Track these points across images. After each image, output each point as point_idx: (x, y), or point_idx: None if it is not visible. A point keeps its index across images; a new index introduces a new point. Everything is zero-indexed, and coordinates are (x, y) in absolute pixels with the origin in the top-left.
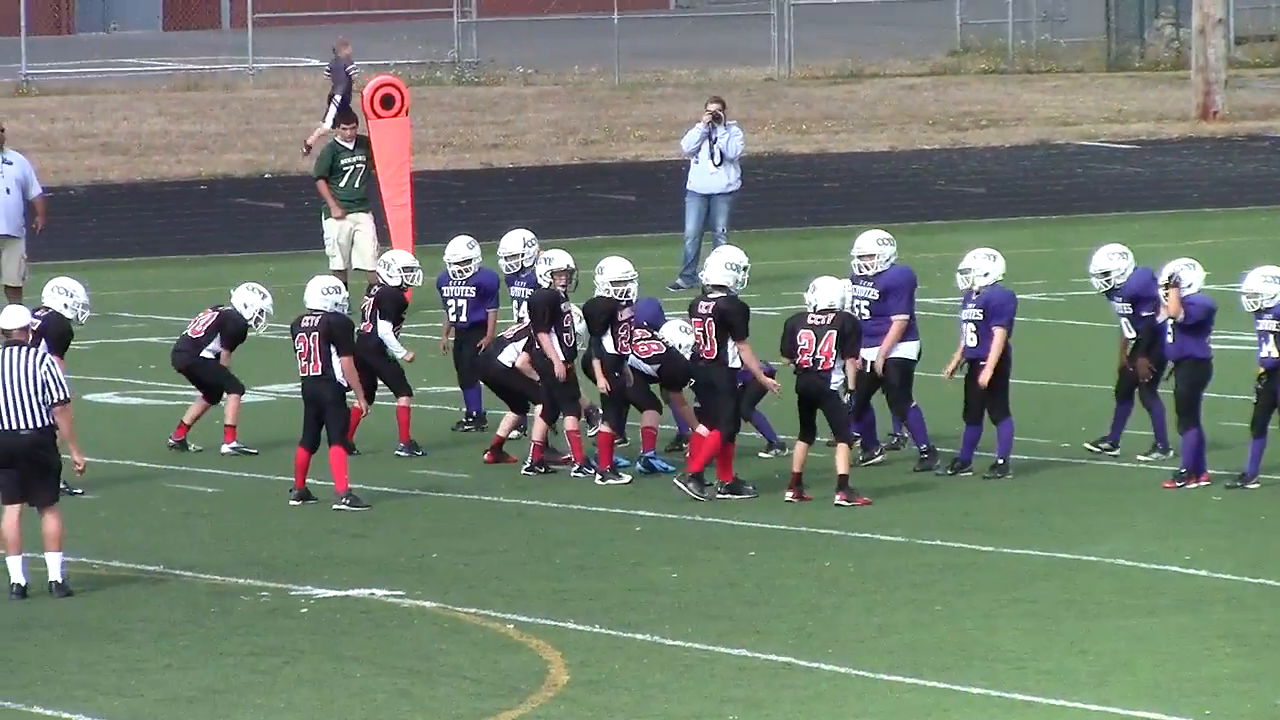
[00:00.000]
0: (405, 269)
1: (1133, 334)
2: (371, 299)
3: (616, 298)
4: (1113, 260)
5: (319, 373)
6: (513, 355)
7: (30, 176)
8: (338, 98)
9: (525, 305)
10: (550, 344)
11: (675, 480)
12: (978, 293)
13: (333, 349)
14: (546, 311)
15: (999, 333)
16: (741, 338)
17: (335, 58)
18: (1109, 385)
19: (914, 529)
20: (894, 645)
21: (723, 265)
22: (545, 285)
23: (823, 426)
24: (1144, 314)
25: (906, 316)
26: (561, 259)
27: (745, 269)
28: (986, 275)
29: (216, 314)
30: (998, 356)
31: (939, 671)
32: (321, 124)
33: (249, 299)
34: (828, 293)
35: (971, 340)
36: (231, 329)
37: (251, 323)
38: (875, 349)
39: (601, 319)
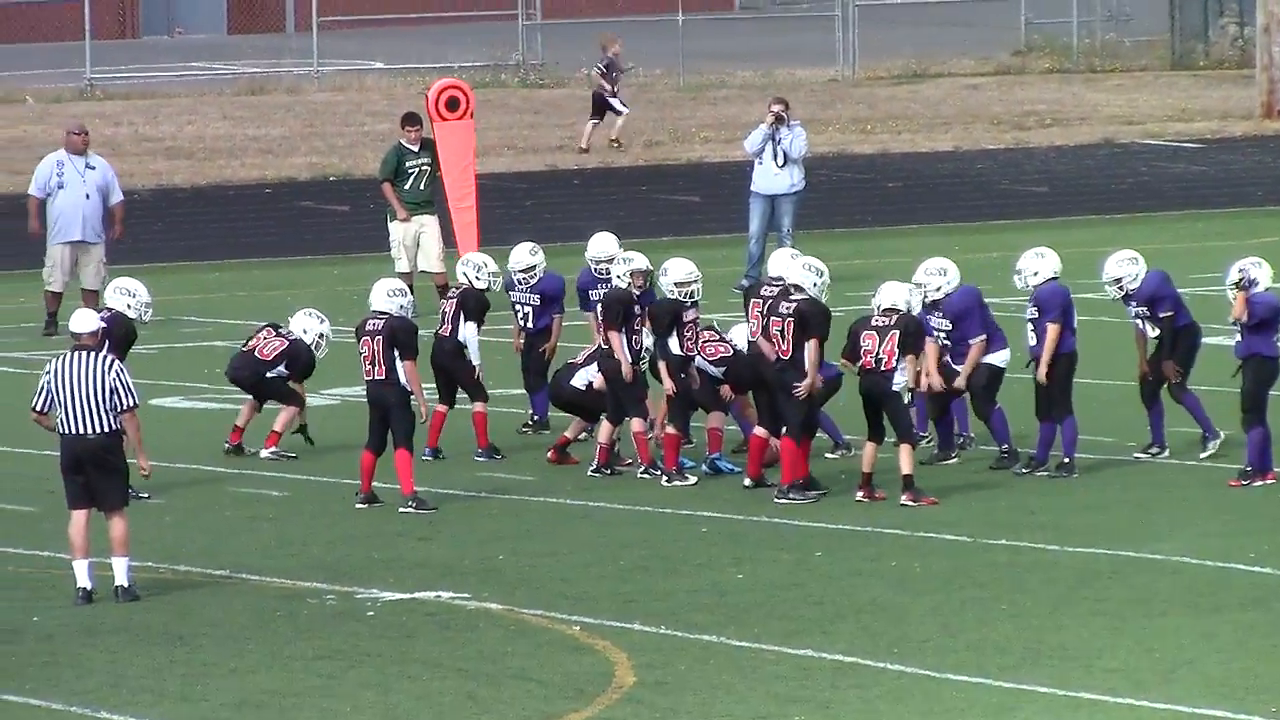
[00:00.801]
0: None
1: (1155, 332)
2: (454, 300)
3: (681, 299)
4: (1123, 266)
5: (383, 376)
6: (585, 379)
7: (112, 182)
8: (616, 95)
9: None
10: (620, 343)
11: (777, 499)
12: (1032, 291)
13: (396, 353)
14: (620, 311)
15: (1051, 328)
16: (817, 336)
17: (604, 55)
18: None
19: (979, 528)
20: (960, 645)
21: (802, 267)
22: (623, 285)
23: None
24: (1162, 314)
25: (984, 336)
26: (640, 260)
27: (823, 273)
28: (1037, 274)
29: (287, 343)
30: (1051, 352)
31: (1005, 671)
32: (597, 119)
33: (308, 324)
34: (892, 294)
35: (1031, 339)
36: (303, 362)
37: (314, 349)
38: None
39: (666, 320)
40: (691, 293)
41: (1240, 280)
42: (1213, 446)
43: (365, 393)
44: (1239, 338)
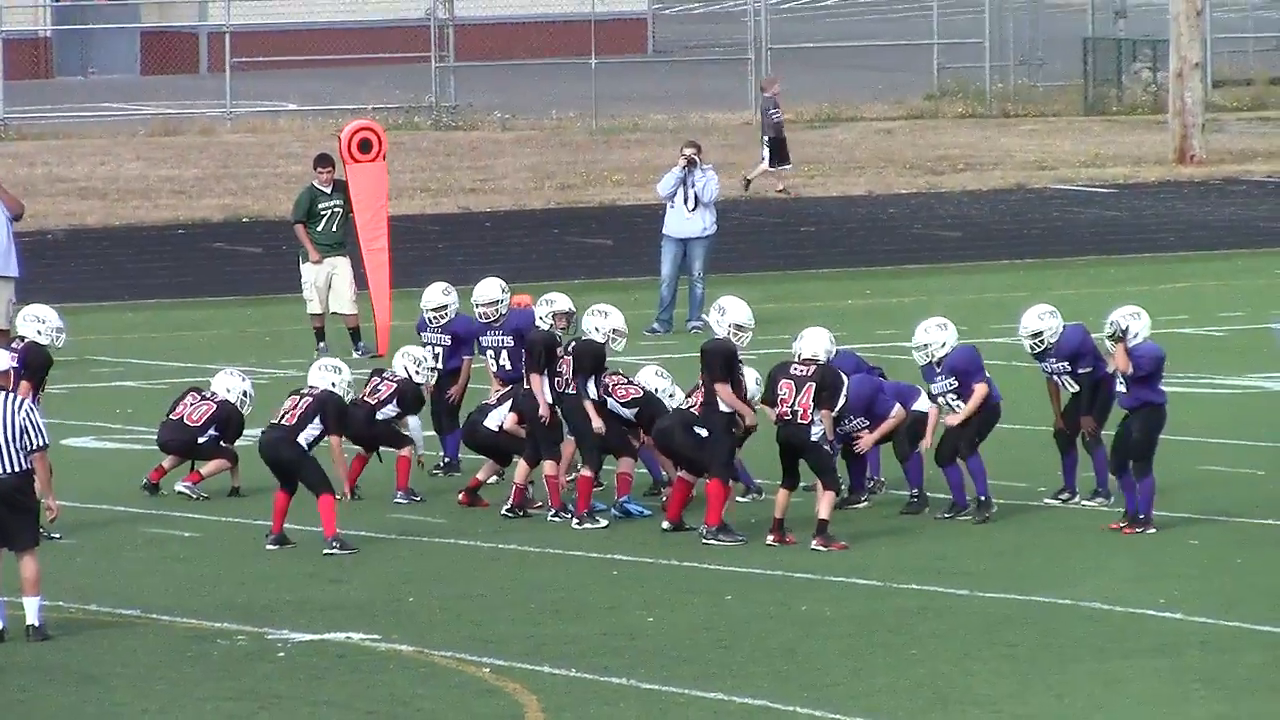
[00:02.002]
0: (432, 369)
1: (1074, 388)
2: (392, 389)
3: (604, 342)
4: (1044, 320)
5: (291, 423)
6: (498, 419)
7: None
8: (767, 138)
9: (504, 353)
10: (541, 386)
11: (703, 538)
12: (939, 364)
13: (318, 420)
14: (542, 353)
15: (979, 389)
16: (721, 379)
17: (763, 96)
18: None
19: (891, 573)
20: (870, 689)
21: (714, 311)
22: (545, 327)
23: (807, 472)
24: (1081, 370)
25: (985, 385)
26: (563, 302)
27: (741, 326)
28: (945, 345)
29: (215, 406)
30: (975, 408)
31: (915, 715)
32: (761, 164)
33: (231, 384)
34: (813, 343)
35: (1070, 388)
36: (235, 425)
37: (240, 407)
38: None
39: (588, 362)
40: (614, 336)
41: (1113, 333)
42: (1100, 504)
43: (260, 439)
44: (1124, 389)
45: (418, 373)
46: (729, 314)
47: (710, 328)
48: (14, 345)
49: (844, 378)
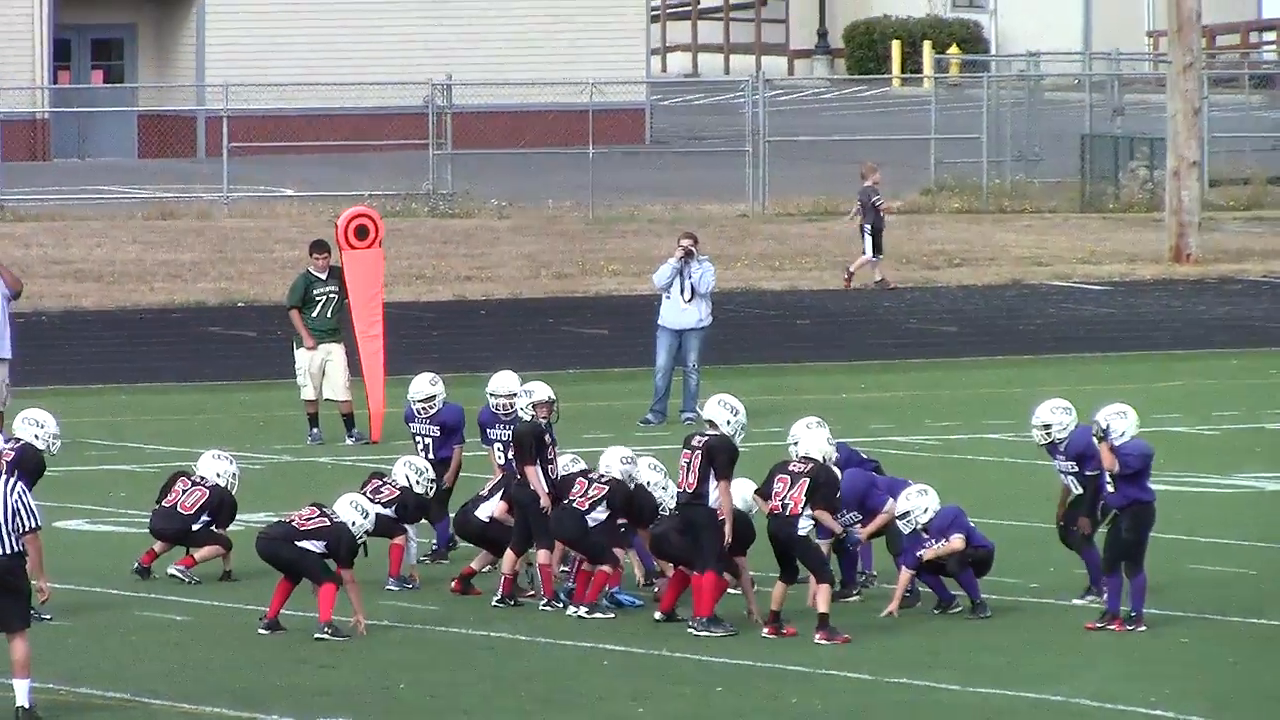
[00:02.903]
0: (431, 480)
1: (1079, 489)
2: (394, 498)
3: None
4: (1055, 415)
5: (292, 527)
6: (489, 510)
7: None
8: (868, 227)
9: (506, 444)
10: (536, 477)
11: (691, 629)
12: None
13: (324, 546)
14: (532, 444)
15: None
16: (724, 477)
17: (862, 186)
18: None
19: (881, 667)
20: None
21: (717, 403)
22: (527, 418)
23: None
24: (1089, 472)
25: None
26: (542, 391)
27: (738, 414)
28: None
29: (207, 492)
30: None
31: None
32: (863, 255)
33: (219, 468)
34: (810, 443)
35: (1076, 488)
36: (228, 510)
37: (229, 490)
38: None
39: (533, 443)
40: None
41: (1096, 431)
42: (1093, 602)
43: (259, 537)
44: (1112, 488)
45: (418, 483)
46: (741, 414)
47: (703, 422)
48: (9, 444)
49: (838, 476)
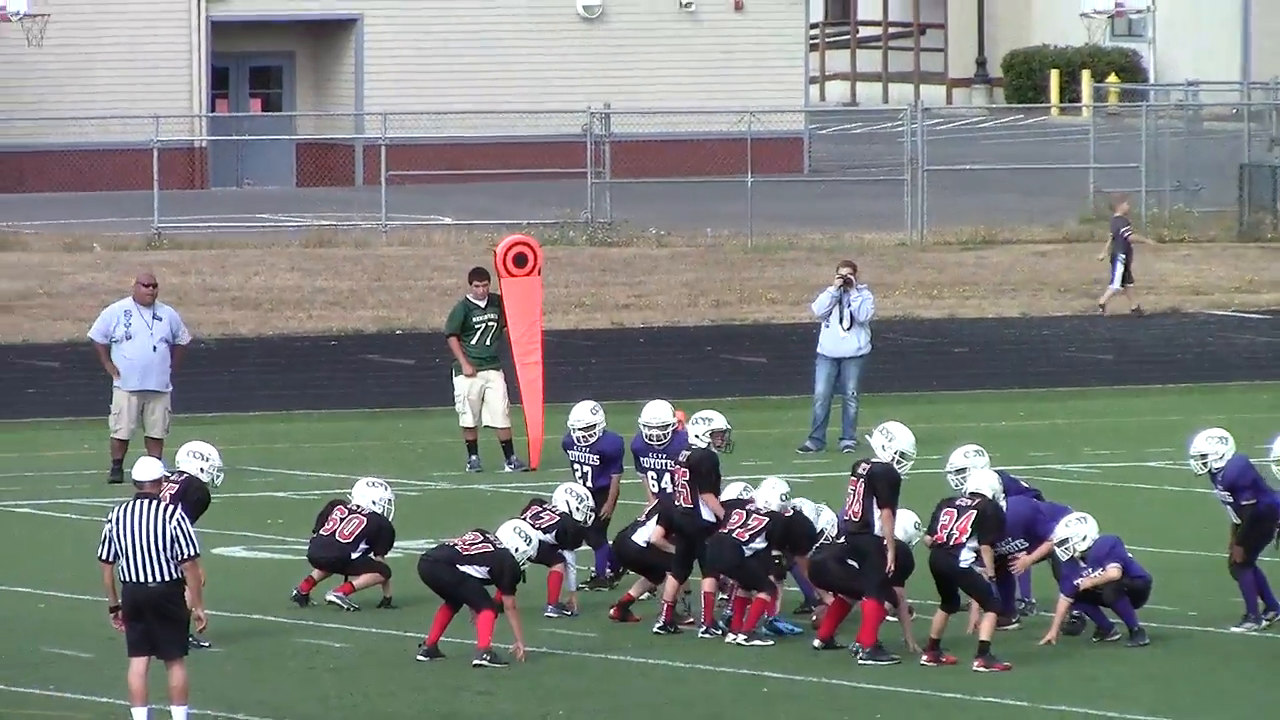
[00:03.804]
0: (591, 509)
1: (1237, 520)
2: (554, 525)
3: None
4: (1210, 444)
5: (455, 551)
6: (646, 535)
7: (179, 330)
8: (1121, 256)
9: (666, 475)
10: (714, 503)
11: (860, 660)
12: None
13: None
14: (709, 471)
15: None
16: (886, 504)
17: (1113, 216)
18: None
19: (1040, 694)
20: None
21: (878, 430)
22: (704, 445)
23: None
24: (1244, 501)
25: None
26: (719, 420)
27: (893, 439)
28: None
29: (365, 520)
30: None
31: None
32: (1111, 285)
33: (375, 495)
34: (979, 480)
35: (1234, 517)
36: (386, 537)
37: (386, 517)
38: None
39: (710, 470)
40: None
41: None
42: (1249, 629)
43: (421, 561)
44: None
45: (578, 509)
46: (896, 440)
47: (869, 448)
48: (174, 477)
49: (1004, 514)
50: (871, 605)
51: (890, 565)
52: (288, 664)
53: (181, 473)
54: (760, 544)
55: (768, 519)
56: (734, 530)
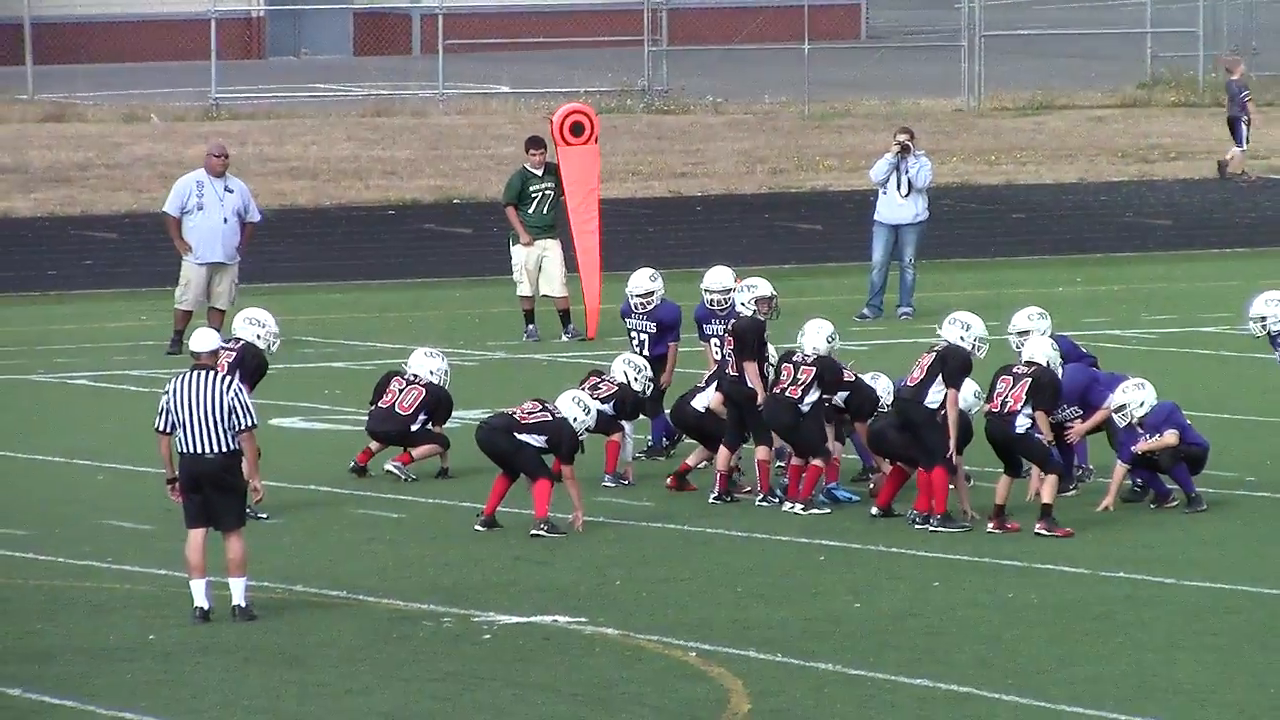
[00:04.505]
0: (650, 378)
1: None
2: (614, 394)
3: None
4: (1270, 307)
5: (512, 419)
6: (705, 401)
7: (250, 204)
8: (1244, 119)
9: (722, 339)
10: (755, 373)
11: (930, 527)
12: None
13: (543, 440)
14: (754, 340)
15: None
16: (953, 385)
17: (1229, 79)
18: None
19: (1097, 561)
20: (1075, 677)
21: (949, 321)
22: (749, 313)
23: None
24: None
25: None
26: (765, 287)
27: (969, 329)
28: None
29: (424, 391)
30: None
31: (1121, 704)
32: (1234, 147)
33: (433, 365)
34: (1034, 348)
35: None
36: (445, 407)
37: (445, 386)
38: None
39: (754, 339)
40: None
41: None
42: None
43: (479, 429)
44: None
45: (636, 380)
46: (973, 329)
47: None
48: (230, 344)
49: (1060, 382)
50: (938, 473)
51: (953, 444)
52: (345, 536)
53: (238, 339)
54: (814, 396)
55: (814, 368)
56: (786, 389)
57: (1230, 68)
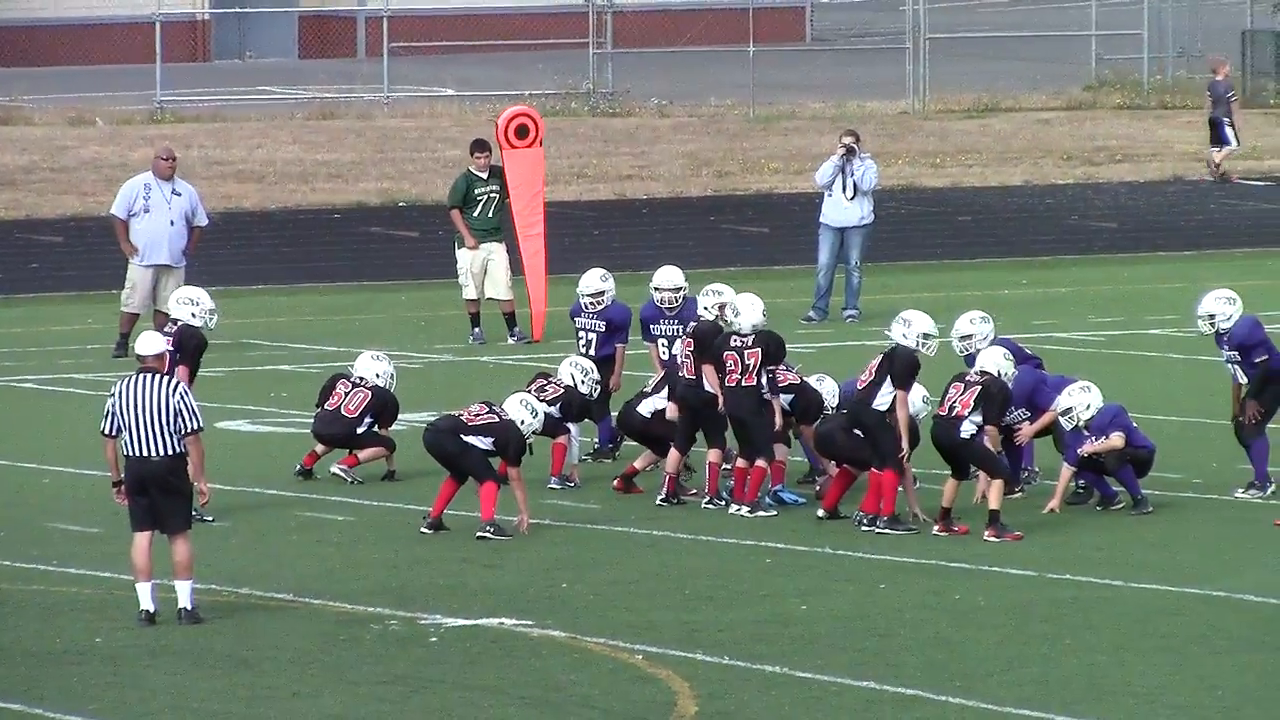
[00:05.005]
0: (597, 381)
1: (1244, 380)
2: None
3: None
4: (1219, 305)
5: (459, 421)
6: (651, 407)
7: (197, 207)
8: (1227, 121)
9: (678, 341)
10: (713, 376)
11: (877, 529)
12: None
13: (491, 443)
14: (710, 344)
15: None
16: (901, 386)
17: (1214, 80)
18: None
19: (1045, 563)
20: (1024, 679)
21: (899, 324)
22: (710, 318)
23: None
24: (1255, 360)
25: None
26: (730, 294)
27: (910, 325)
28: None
29: (370, 394)
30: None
31: (1068, 705)
32: (1215, 148)
33: (379, 368)
34: (988, 358)
35: (1242, 378)
36: (391, 410)
37: (391, 389)
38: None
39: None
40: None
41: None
42: (1254, 496)
43: (426, 429)
44: None
45: (583, 383)
46: (914, 325)
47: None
48: (167, 329)
49: (1009, 393)
50: (888, 475)
51: (903, 445)
52: (291, 538)
53: (175, 321)
54: (764, 377)
55: (758, 345)
56: (740, 379)
57: (1216, 68)
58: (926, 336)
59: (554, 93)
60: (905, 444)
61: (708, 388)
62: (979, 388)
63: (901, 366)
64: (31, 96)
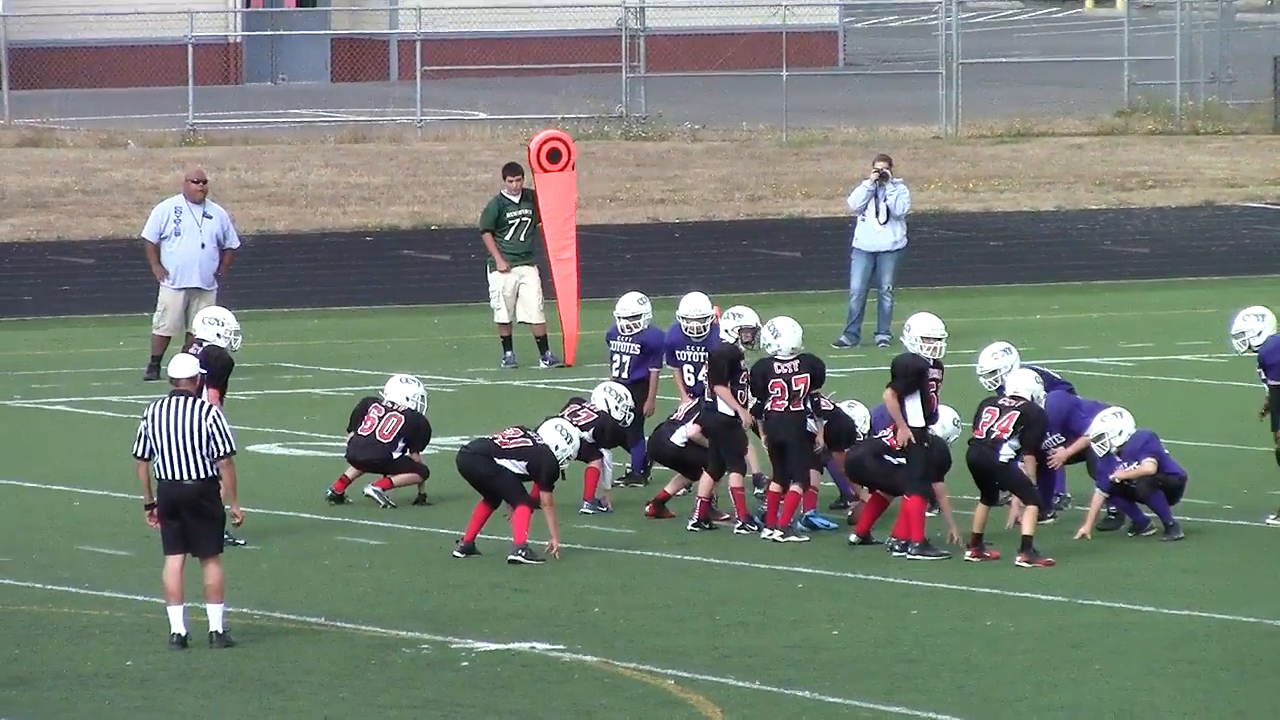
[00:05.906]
0: (630, 409)
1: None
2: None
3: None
4: (1247, 321)
5: (494, 445)
6: (684, 435)
7: (229, 229)
8: None
9: (700, 369)
10: (729, 395)
11: (908, 555)
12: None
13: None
14: (726, 366)
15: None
16: (891, 385)
17: None
18: (1269, 447)
19: (1075, 589)
20: (1053, 704)
21: (905, 329)
22: (730, 340)
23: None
24: (1272, 381)
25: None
26: (750, 317)
27: (928, 337)
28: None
29: (403, 419)
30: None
31: None
32: None
33: (409, 391)
34: (1018, 381)
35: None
36: (423, 434)
37: (422, 413)
38: None
39: (726, 365)
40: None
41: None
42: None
43: (460, 452)
44: None
45: (616, 408)
46: (913, 328)
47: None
48: (193, 350)
49: (1046, 417)
50: (914, 501)
51: (904, 442)
52: (323, 562)
53: (200, 342)
54: (803, 395)
55: (805, 371)
56: (788, 404)
57: None
58: (925, 339)
59: (586, 117)
60: (903, 434)
61: (722, 409)
62: (1017, 413)
63: (898, 369)
64: (64, 118)
